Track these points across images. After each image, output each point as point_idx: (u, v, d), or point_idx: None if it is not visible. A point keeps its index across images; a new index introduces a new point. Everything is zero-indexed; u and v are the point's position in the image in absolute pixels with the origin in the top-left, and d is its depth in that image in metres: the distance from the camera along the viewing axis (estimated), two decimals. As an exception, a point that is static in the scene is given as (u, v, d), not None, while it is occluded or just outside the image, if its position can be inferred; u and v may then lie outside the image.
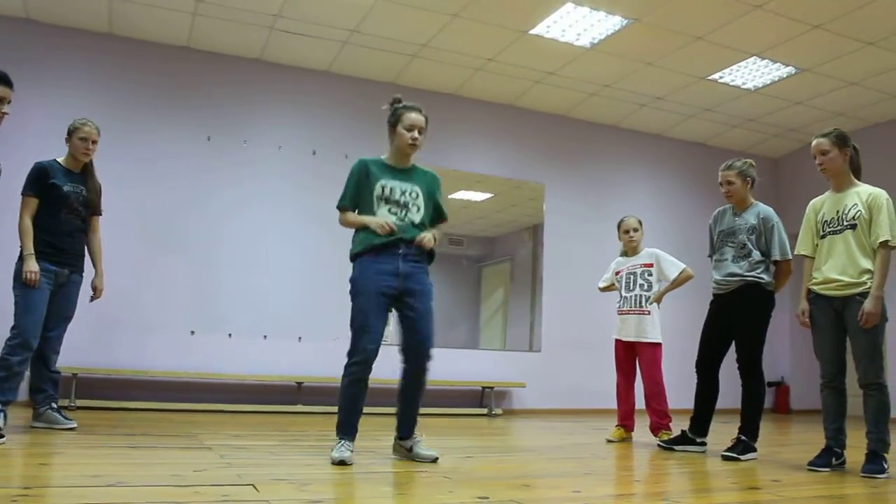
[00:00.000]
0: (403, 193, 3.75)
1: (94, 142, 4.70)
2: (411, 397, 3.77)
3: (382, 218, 3.65)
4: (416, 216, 3.76)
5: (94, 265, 4.88)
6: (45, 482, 2.90)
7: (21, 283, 4.37)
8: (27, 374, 4.53)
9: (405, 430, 3.81)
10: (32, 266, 4.36)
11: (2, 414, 4.11)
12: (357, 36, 7.30)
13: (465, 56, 7.71)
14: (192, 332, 7.23)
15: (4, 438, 3.84)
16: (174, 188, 7.34)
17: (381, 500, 2.76)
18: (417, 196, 3.78)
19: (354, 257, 3.74)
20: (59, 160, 4.66)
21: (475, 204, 9.04)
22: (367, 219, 3.69)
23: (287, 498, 2.64)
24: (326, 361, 7.25)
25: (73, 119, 4.75)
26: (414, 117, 3.76)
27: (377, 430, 5.31)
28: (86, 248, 4.82)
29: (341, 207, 3.82)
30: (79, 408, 6.32)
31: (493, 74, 8.13)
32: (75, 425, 4.60)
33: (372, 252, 3.65)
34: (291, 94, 7.98)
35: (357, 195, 3.79)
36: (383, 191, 3.72)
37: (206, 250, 7.39)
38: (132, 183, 7.16)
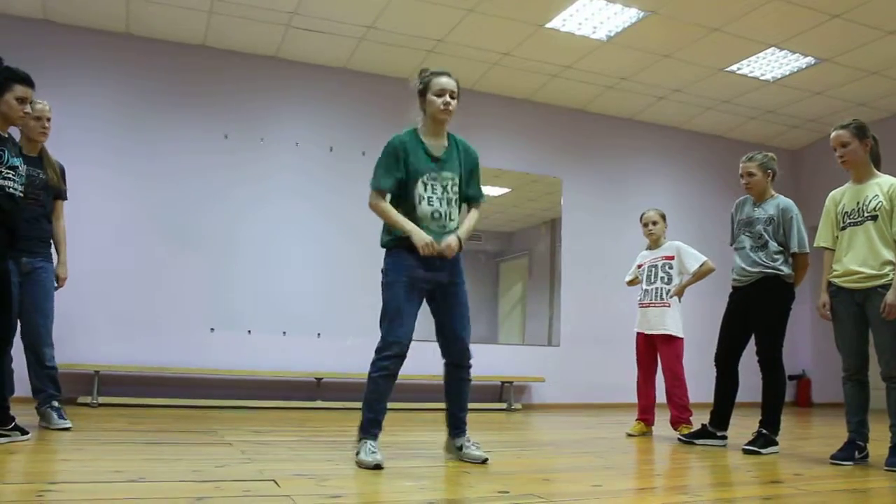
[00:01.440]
0: (445, 190, 3.57)
1: (49, 119, 4.50)
2: (456, 395, 3.66)
3: (427, 237, 3.44)
4: (454, 220, 3.62)
5: (58, 253, 4.66)
6: (68, 478, 2.93)
7: None
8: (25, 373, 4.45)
9: (454, 429, 3.67)
10: None
11: None
12: (373, 32, 7.30)
13: (482, 51, 7.69)
14: (212, 329, 7.27)
15: (29, 435, 3.88)
16: (192, 186, 7.38)
17: (402, 495, 2.77)
18: (455, 189, 3.62)
19: (387, 246, 3.60)
20: None
21: (492, 199, 9.01)
22: (410, 228, 3.47)
23: (308, 493, 2.65)
24: (345, 357, 7.29)
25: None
26: (444, 81, 3.56)
27: (396, 425, 5.33)
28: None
29: (379, 189, 3.55)
30: (100, 404, 6.37)
31: (510, 69, 8.11)
32: (70, 426, 4.39)
33: (408, 244, 3.49)
34: (308, 91, 8.00)
35: (397, 177, 3.54)
36: (426, 188, 3.54)
37: (225, 247, 7.43)
38: (151, 181, 7.22)
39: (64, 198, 4.71)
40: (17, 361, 4.37)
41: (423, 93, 3.61)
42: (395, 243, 3.54)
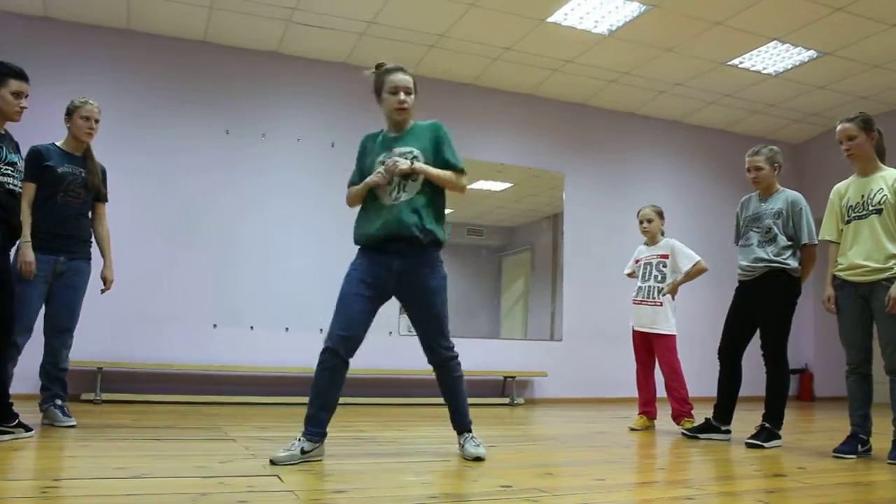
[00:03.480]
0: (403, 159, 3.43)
1: (97, 121, 4.53)
2: (447, 393, 3.59)
3: (378, 172, 3.39)
4: (408, 192, 3.43)
5: (103, 255, 4.68)
6: (72, 474, 2.94)
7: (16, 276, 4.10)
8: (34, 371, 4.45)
9: (455, 426, 3.62)
10: (28, 255, 4.13)
11: None
12: (374, 27, 7.29)
13: (483, 45, 7.68)
14: (215, 325, 7.28)
15: (33, 432, 3.88)
16: (194, 182, 7.38)
17: (405, 490, 2.77)
18: (416, 158, 3.44)
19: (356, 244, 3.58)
20: (57, 143, 4.48)
21: (495, 194, 9.02)
22: (367, 179, 3.46)
23: (311, 488, 2.65)
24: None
25: (72, 98, 4.56)
26: (398, 79, 3.50)
27: (398, 420, 5.34)
28: (92, 235, 4.65)
29: (349, 185, 3.63)
30: (104, 401, 6.38)
31: (511, 63, 8.10)
32: (74, 423, 4.38)
33: (367, 245, 3.47)
34: (309, 87, 7.99)
35: (362, 174, 3.56)
36: (381, 166, 3.45)
37: (227, 243, 7.43)
38: (152, 177, 7.21)
39: (104, 200, 4.72)
40: (33, 357, 4.36)
41: (377, 92, 3.58)
42: (360, 241, 3.53)
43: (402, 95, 3.48)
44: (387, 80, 3.51)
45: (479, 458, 3.43)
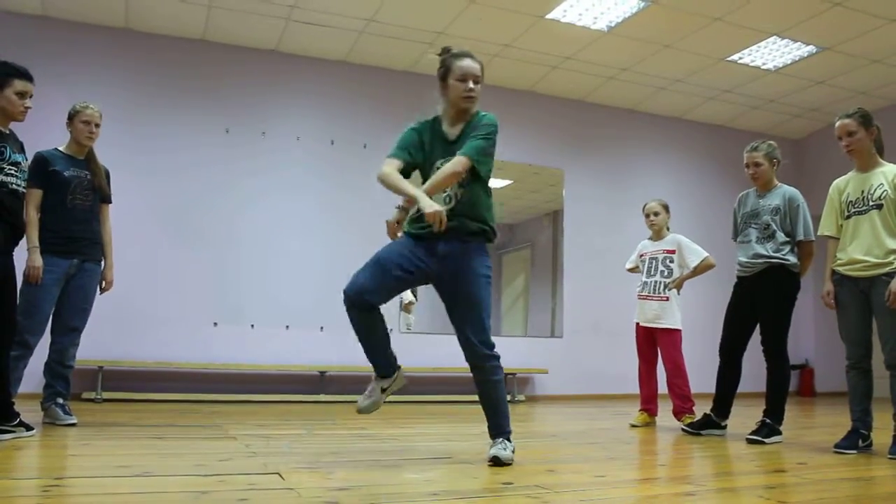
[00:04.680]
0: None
1: (98, 125, 4.57)
2: (481, 398, 3.34)
3: (436, 205, 3.06)
4: (462, 202, 3.31)
5: (105, 256, 4.71)
6: (74, 473, 2.94)
7: (24, 280, 4.17)
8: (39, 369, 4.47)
9: (489, 433, 3.36)
10: (36, 261, 4.22)
11: None
12: (373, 25, 7.29)
13: (482, 42, 7.66)
14: (215, 324, 7.28)
15: (34, 431, 3.89)
16: (194, 181, 7.38)
17: (406, 487, 2.77)
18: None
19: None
20: (59, 148, 4.53)
21: (494, 191, 8.93)
22: (415, 192, 3.11)
23: (313, 486, 2.65)
24: (348, 351, 7.26)
25: (74, 103, 4.62)
26: (467, 65, 3.28)
27: (401, 417, 5.34)
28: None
29: (392, 156, 3.29)
30: (105, 400, 6.39)
31: (510, 60, 8.10)
32: (75, 421, 4.38)
33: (415, 234, 3.29)
34: (309, 85, 7.99)
35: (416, 154, 3.33)
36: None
37: (227, 242, 7.43)
38: (152, 176, 7.21)
39: (109, 201, 4.77)
40: (36, 356, 4.34)
41: (443, 77, 3.34)
42: (411, 232, 3.32)
43: (470, 83, 3.29)
44: (455, 66, 3.29)
45: (495, 460, 3.18)
